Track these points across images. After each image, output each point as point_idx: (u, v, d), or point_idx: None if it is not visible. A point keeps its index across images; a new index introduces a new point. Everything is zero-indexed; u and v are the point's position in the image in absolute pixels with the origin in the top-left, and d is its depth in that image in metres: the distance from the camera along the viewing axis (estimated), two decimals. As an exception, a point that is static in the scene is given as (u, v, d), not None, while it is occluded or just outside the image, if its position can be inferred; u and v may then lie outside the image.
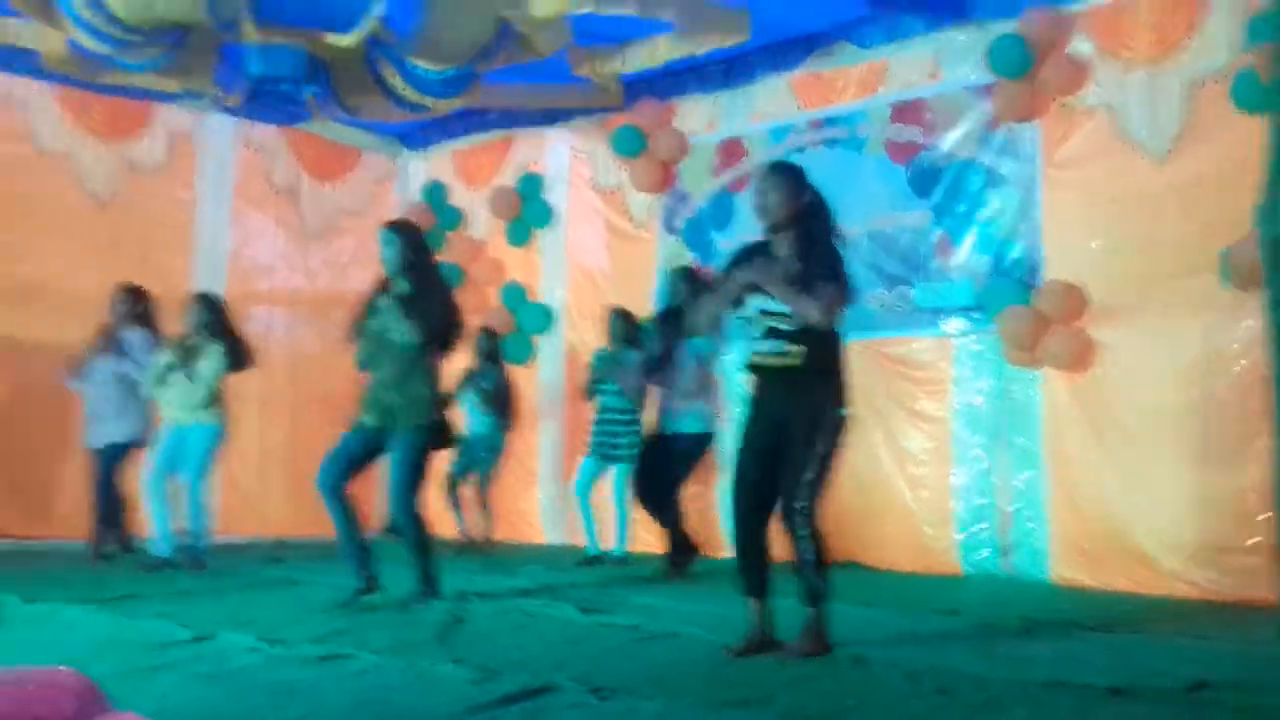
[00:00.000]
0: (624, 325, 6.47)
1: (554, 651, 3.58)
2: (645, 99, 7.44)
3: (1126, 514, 5.52)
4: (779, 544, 3.62)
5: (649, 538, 6.49)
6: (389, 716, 2.70)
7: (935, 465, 6.23)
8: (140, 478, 6.12)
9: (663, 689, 2.99)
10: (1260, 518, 5.04)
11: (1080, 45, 5.82)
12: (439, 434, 4.75)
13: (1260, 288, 4.70)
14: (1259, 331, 4.82)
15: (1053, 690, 3.02)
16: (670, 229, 7.60)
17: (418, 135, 8.82)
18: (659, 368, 5.91)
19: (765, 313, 3.61)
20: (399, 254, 4.64)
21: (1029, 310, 5.79)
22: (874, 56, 6.61)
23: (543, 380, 8.18)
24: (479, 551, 7.04)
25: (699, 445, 5.93)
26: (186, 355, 5.89)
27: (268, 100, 6.49)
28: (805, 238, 3.64)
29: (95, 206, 7.62)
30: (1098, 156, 5.78)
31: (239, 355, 6.02)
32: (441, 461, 6.88)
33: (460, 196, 8.78)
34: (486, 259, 8.56)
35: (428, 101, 6.24)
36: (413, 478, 4.61)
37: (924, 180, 6.43)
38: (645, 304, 7.20)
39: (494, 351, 7.34)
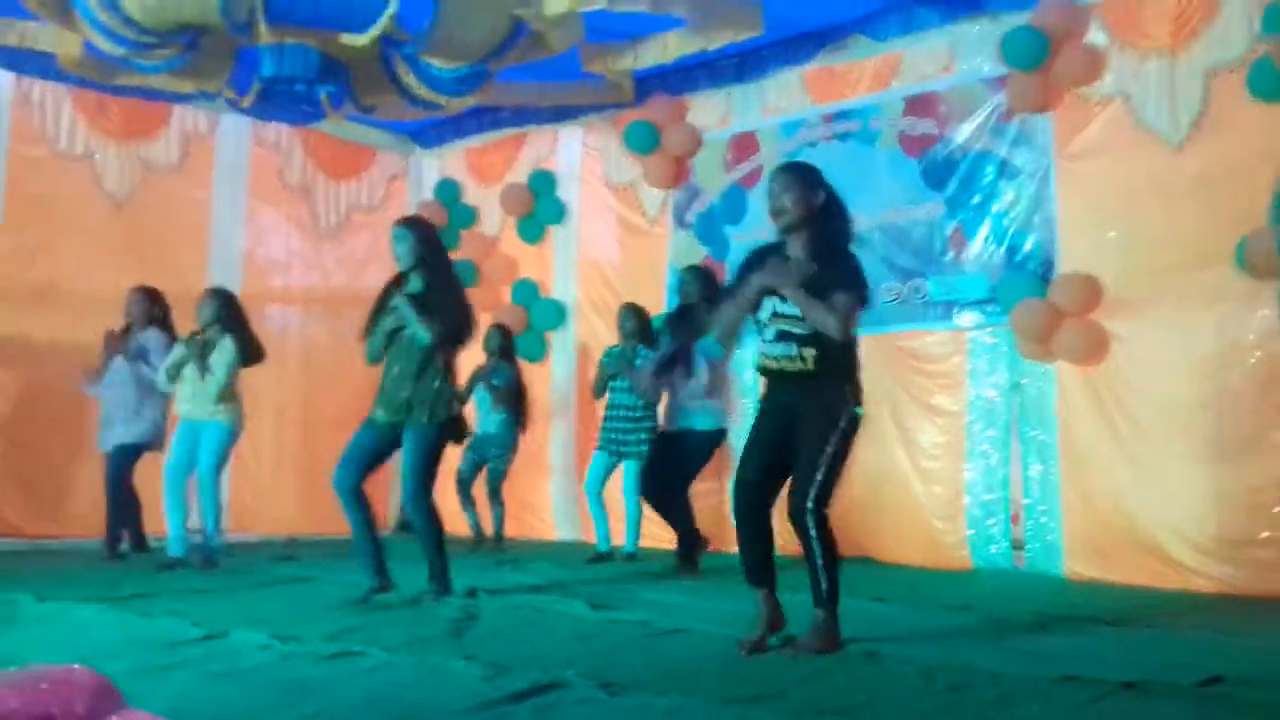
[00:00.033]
0: (635, 321, 6.47)
1: (565, 648, 3.58)
2: (658, 95, 7.44)
3: (1140, 507, 5.49)
4: (788, 537, 3.62)
5: (660, 533, 6.50)
6: (401, 713, 2.71)
7: (948, 459, 6.21)
8: (160, 477, 6.15)
9: (674, 685, 2.98)
10: (1276, 510, 5.02)
11: (1095, 35, 5.79)
12: (452, 429, 4.76)
13: (1276, 278, 4.71)
14: (1274, 322, 4.81)
15: (1066, 685, 3.00)
16: (682, 224, 7.60)
17: (430, 133, 8.84)
18: (671, 368, 5.90)
19: (777, 315, 3.59)
20: (412, 250, 4.65)
21: (1042, 303, 5.76)
22: (888, 49, 6.58)
23: (555, 376, 8.19)
24: (491, 548, 7.06)
25: (710, 442, 5.93)
26: (201, 350, 5.91)
27: (281, 100, 6.51)
28: (819, 239, 3.61)
29: (111, 207, 7.66)
30: (1112, 148, 5.75)
31: (251, 348, 6.04)
32: (454, 459, 6.93)
33: (473, 194, 8.81)
34: (499, 256, 8.58)
35: (441, 100, 6.25)
36: (427, 473, 4.62)
37: (937, 173, 6.41)
38: (658, 299, 7.21)
39: (506, 348, 7.34)
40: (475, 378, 7.16)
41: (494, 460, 7.20)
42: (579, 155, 8.23)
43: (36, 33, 6.31)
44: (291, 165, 8.56)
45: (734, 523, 3.67)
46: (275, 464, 8.19)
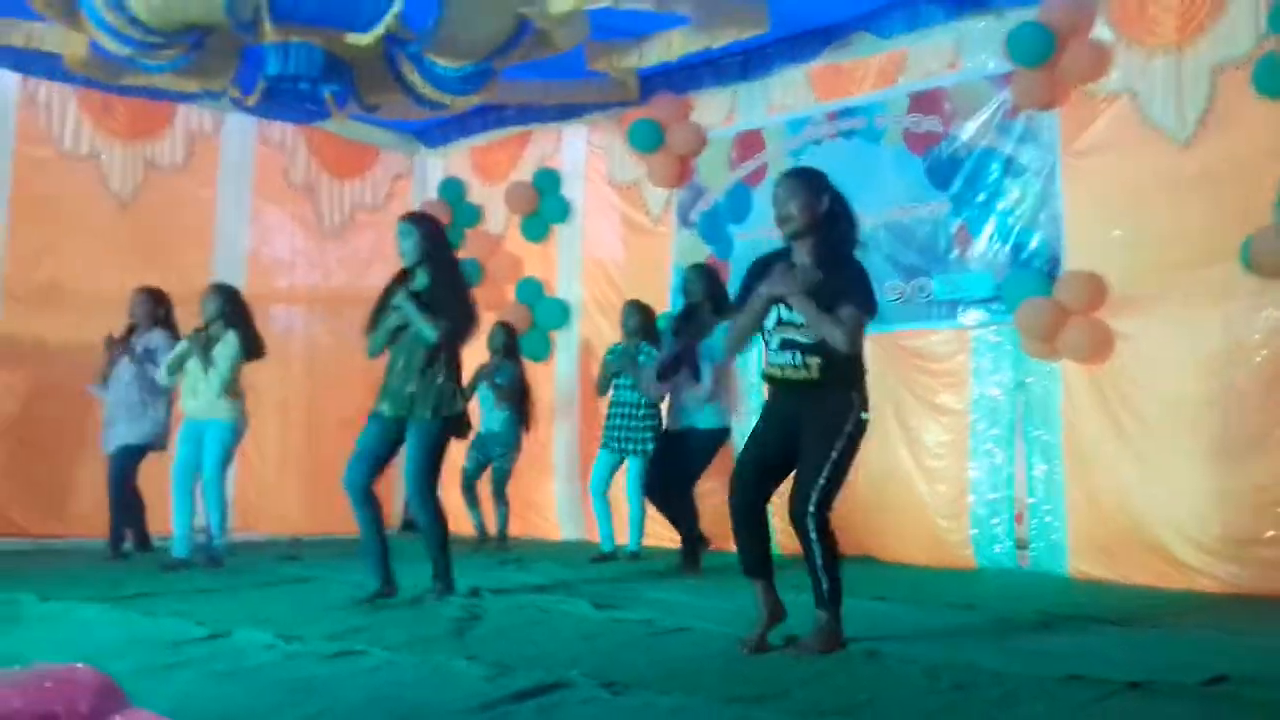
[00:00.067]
0: (639, 318, 6.46)
1: (568, 647, 3.58)
2: (662, 93, 7.43)
3: (1145, 506, 5.47)
4: (789, 536, 3.61)
5: (663, 532, 6.50)
6: (403, 712, 2.71)
7: (952, 458, 6.20)
8: (163, 476, 6.16)
9: (677, 684, 2.98)
10: (1282, 509, 5.00)
11: (1102, 31, 5.77)
12: (456, 425, 4.74)
13: (1281, 277, 4.70)
14: (1280, 321, 4.79)
15: (1070, 685, 2.99)
16: (686, 223, 7.59)
17: (435, 132, 8.84)
18: (676, 369, 5.89)
19: (783, 323, 3.57)
20: (417, 246, 4.63)
21: (1047, 301, 5.75)
22: (893, 46, 6.57)
23: (559, 376, 8.20)
24: (495, 548, 7.06)
25: (714, 441, 5.92)
26: (204, 344, 5.91)
27: (286, 99, 6.52)
28: (825, 246, 3.59)
29: (117, 207, 7.68)
30: (1118, 145, 5.73)
31: (254, 343, 6.04)
32: (459, 459, 6.93)
33: (478, 193, 8.81)
34: (504, 255, 8.58)
35: (446, 98, 6.25)
36: (431, 469, 4.60)
37: (942, 170, 6.39)
38: (661, 298, 7.21)
39: (510, 346, 7.34)
40: (479, 375, 7.15)
41: (498, 459, 7.20)
42: (583, 154, 8.23)
43: (42, 33, 6.33)
44: (296, 164, 8.57)
45: (731, 519, 3.66)
46: (279, 463, 8.20)
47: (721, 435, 5.95)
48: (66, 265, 7.33)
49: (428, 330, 4.53)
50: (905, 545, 6.28)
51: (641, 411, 6.33)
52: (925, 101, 6.49)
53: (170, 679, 2.99)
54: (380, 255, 8.34)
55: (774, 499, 3.69)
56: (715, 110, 7.44)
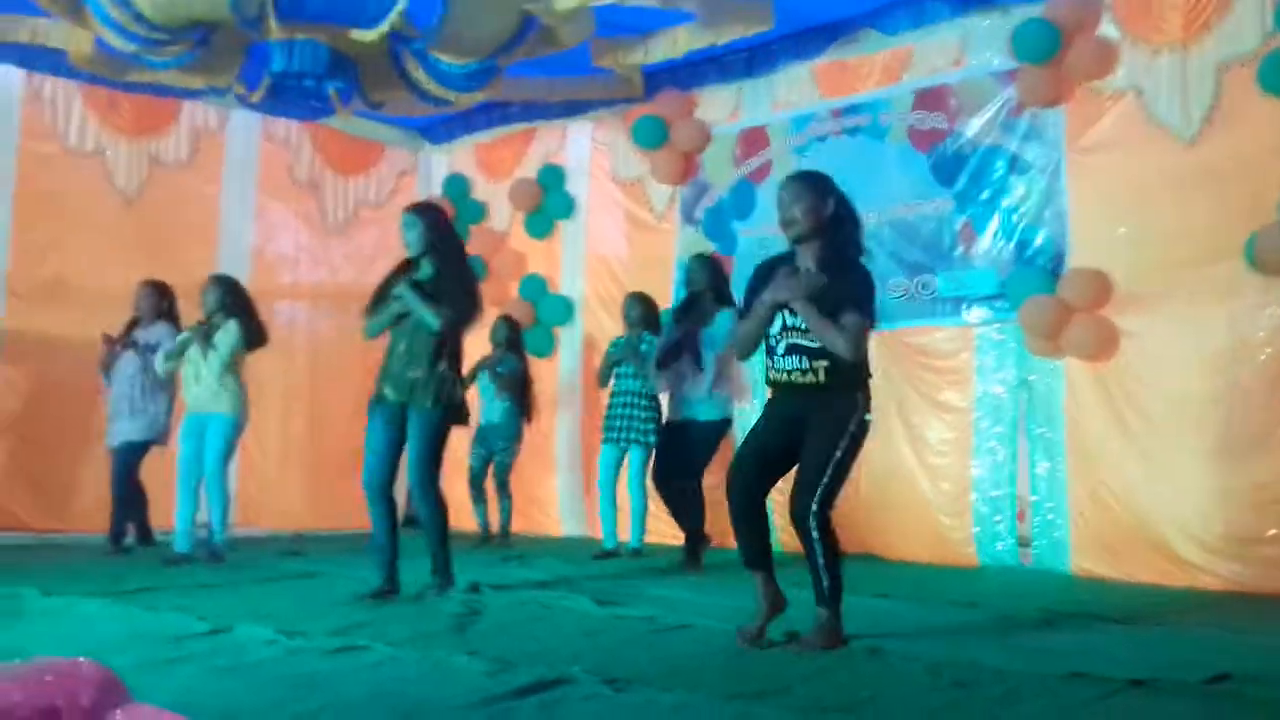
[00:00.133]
0: (641, 308, 6.46)
1: (570, 643, 3.58)
2: (667, 89, 7.43)
3: (1149, 504, 5.47)
4: (789, 533, 3.61)
5: (665, 529, 6.49)
6: (405, 708, 2.71)
7: (955, 456, 6.19)
8: (166, 471, 6.17)
9: (679, 680, 2.98)
10: (1285, 508, 4.99)
11: (1107, 29, 5.76)
12: (456, 413, 4.71)
13: (1286, 274, 4.69)
14: (1285, 319, 4.78)
15: (1073, 682, 2.99)
16: (690, 219, 7.58)
17: (439, 129, 8.84)
18: (677, 355, 5.89)
19: (788, 328, 3.56)
20: (421, 236, 4.62)
21: (1052, 299, 5.74)
22: (898, 43, 6.56)
23: (562, 372, 8.20)
24: (498, 543, 7.06)
25: (716, 432, 5.91)
26: (205, 334, 5.91)
27: (291, 96, 6.52)
28: (829, 249, 3.59)
29: (122, 203, 7.68)
30: (1124, 142, 5.72)
31: (254, 332, 6.04)
32: (463, 453, 6.93)
33: (482, 189, 8.81)
34: (508, 251, 8.58)
35: (450, 95, 6.25)
36: (432, 459, 4.58)
37: (947, 167, 6.38)
38: (665, 295, 7.21)
39: (513, 340, 7.34)
40: (480, 365, 7.15)
41: (500, 452, 7.19)
42: (588, 150, 8.23)
43: (48, 29, 6.33)
44: (300, 161, 8.57)
45: (729, 513, 3.66)
46: (282, 458, 8.21)
47: (723, 426, 5.94)
48: (71, 261, 7.34)
49: (430, 318, 4.53)
50: (908, 542, 6.27)
51: (644, 401, 6.33)
52: (930, 98, 6.48)
53: (172, 674, 2.99)
54: (384, 251, 8.32)
55: (775, 497, 3.69)
56: (720, 107, 7.44)
